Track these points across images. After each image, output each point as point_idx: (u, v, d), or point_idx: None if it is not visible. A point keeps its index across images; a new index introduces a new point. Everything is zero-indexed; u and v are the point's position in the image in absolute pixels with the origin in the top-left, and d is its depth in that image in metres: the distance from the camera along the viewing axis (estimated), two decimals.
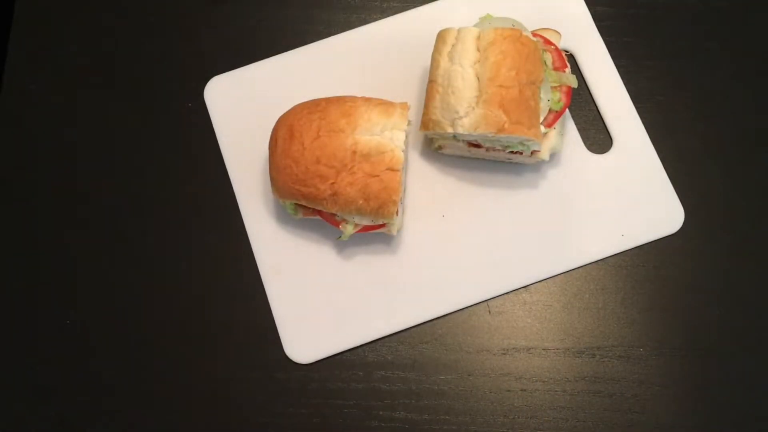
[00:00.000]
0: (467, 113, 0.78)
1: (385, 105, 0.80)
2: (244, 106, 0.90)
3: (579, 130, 0.89)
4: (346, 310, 0.84)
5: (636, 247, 0.86)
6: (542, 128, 0.81)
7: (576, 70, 0.90)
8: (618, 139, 0.89)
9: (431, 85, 0.81)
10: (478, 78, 0.78)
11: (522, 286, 0.85)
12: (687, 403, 0.82)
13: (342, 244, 0.85)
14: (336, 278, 0.84)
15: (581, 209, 0.86)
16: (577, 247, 0.85)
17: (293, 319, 0.84)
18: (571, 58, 0.90)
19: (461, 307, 0.84)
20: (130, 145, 0.89)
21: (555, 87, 0.82)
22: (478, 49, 0.79)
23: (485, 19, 0.83)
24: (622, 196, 0.87)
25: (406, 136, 0.82)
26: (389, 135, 0.78)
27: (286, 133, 0.79)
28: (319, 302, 0.84)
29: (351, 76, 0.90)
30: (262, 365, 0.83)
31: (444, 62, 0.80)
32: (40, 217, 0.87)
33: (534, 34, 0.83)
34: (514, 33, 0.79)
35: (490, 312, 0.84)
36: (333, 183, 0.77)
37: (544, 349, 0.83)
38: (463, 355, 0.83)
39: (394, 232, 0.82)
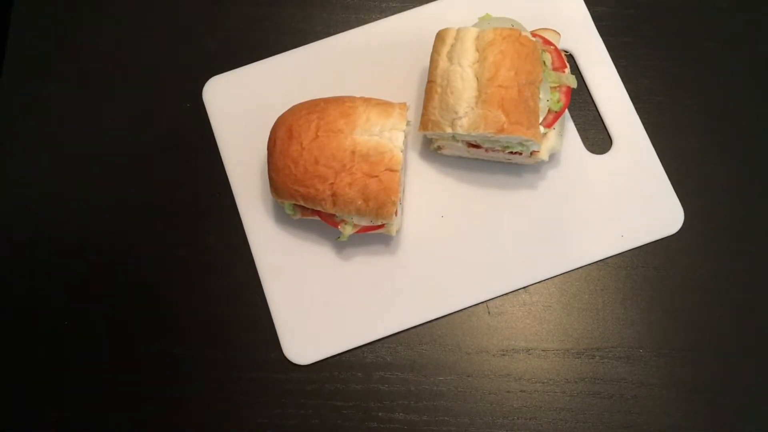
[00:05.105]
0: (466, 113, 0.78)
1: (384, 105, 0.80)
2: (243, 106, 0.89)
3: (578, 130, 0.89)
4: (345, 310, 0.83)
5: (636, 248, 0.85)
6: (541, 128, 0.81)
7: (575, 70, 0.90)
8: (618, 139, 0.88)
9: (430, 85, 0.81)
10: (477, 78, 0.78)
11: (521, 286, 0.85)
12: (687, 404, 0.82)
13: (341, 245, 0.85)
14: (335, 279, 0.84)
15: (581, 210, 0.86)
16: (577, 248, 0.85)
17: (292, 319, 0.83)
18: (571, 58, 0.90)
19: (460, 307, 0.84)
20: (129, 145, 0.89)
21: (554, 87, 0.82)
22: (477, 49, 0.79)
23: (484, 19, 0.83)
24: (621, 196, 0.86)
25: (405, 137, 0.82)
26: (388, 135, 0.78)
27: (285, 134, 0.79)
28: (318, 303, 0.84)
29: (350, 76, 0.90)
30: (261, 366, 0.83)
31: (443, 62, 0.80)
32: (39, 214, 0.87)
33: (533, 34, 0.83)
34: (513, 33, 0.79)
35: (489, 313, 0.84)
36: (332, 183, 0.77)
37: (543, 350, 0.83)
38: (462, 356, 0.83)
39: (393, 233, 0.82)
